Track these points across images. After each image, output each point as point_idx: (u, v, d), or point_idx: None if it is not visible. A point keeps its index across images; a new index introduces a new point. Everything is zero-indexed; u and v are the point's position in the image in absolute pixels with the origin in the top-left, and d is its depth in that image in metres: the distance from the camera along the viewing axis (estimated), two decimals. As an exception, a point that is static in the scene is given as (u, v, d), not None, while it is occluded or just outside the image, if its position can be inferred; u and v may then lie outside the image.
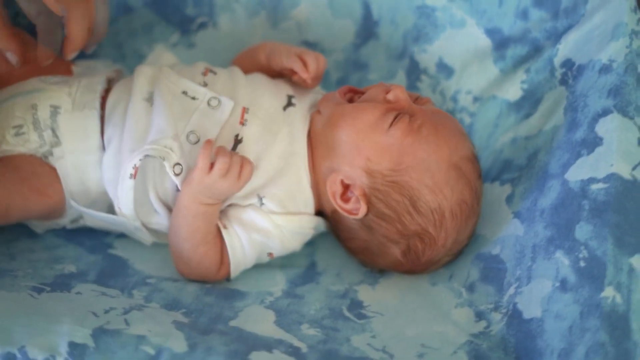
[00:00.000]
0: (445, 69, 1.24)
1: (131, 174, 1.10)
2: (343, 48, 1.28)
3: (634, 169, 1.02)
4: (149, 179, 1.12)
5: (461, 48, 1.23)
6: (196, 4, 1.30)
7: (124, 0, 1.31)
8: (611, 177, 1.02)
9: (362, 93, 1.15)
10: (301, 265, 1.20)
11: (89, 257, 1.19)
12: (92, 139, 1.14)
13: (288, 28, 1.28)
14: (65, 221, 1.19)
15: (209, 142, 1.06)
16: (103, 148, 1.14)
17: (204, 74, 1.17)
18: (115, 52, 1.32)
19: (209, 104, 1.13)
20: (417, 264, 1.15)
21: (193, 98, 1.13)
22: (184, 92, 1.14)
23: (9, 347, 0.97)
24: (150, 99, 1.14)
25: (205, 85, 1.15)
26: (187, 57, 1.31)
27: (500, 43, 1.20)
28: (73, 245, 1.21)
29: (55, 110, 1.14)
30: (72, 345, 0.98)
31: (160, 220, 1.15)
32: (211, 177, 1.05)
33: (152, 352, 0.98)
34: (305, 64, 1.15)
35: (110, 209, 1.17)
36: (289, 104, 1.16)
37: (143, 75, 1.15)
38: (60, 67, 1.22)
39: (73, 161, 1.14)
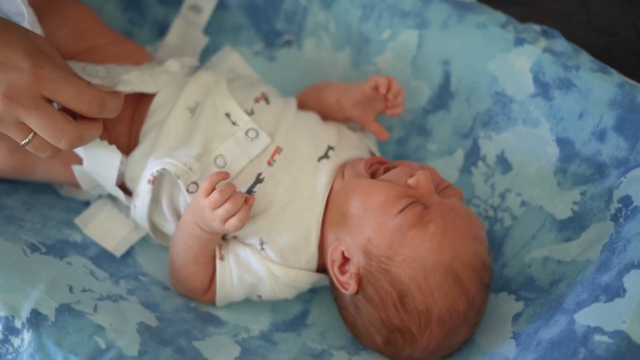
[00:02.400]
0: (504, 163, 1.20)
1: (149, 180, 1.12)
2: (413, 109, 1.26)
3: (647, 333, 0.95)
4: (164, 187, 1.15)
5: (526, 147, 1.18)
6: (288, 20, 1.30)
7: (221, -3, 1.34)
8: (618, 335, 0.96)
9: (390, 167, 1.12)
10: (293, 311, 1.21)
11: (99, 234, 1.23)
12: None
13: (367, 72, 1.27)
14: (85, 196, 1.23)
15: (225, 173, 1.07)
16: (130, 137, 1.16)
17: (257, 100, 1.17)
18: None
19: (246, 133, 1.13)
20: (396, 356, 1.12)
21: (234, 123, 1.14)
22: (227, 114, 1.15)
23: (-24, 293, 1.02)
24: (194, 110, 1.16)
25: (251, 113, 1.15)
26: (264, 69, 1.33)
27: (568, 156, 1.15)
28: (90, 217, 1.25)
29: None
30: (34, 313, 1.02)
31: (169, 227, 1.17)
32: (204, 202, 1.06)
33: (102, 345, 1.01)
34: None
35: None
36: (325, 155, 1.14)
37: (197, 83, 1.17)
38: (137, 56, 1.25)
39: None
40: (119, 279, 1.15)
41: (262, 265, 1.11)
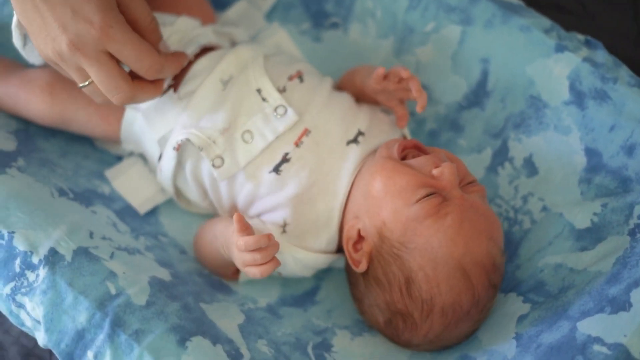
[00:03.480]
0: (530, 167, 1.20)
1: (174, 147, 1.15)
2: (448, 104, 1.27)
3: (647, 349, 0.96)
4: (189, 155, 1.18)
5: (555, 154, 1.18)
6: (337, 3, 1.32)
7: (278, -25, 1.37)
8: (618, 348, 0.97)
9: (422, 154, 1.12)
10: (303, 287, 1.23)
11: (129, 190, 1.27)
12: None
13: (407, 62, 1.28)
14: (118, 150, 1.27)
15: (269, 238, 1.03)
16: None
17: (291, 77, 1.18)
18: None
19: (275, 110, 1.15)
20: (396, 339, 1.13)
21: (264, 99, 1.16)
22: (258, 90, 1.16)
23: (2, 226, 1.06)
24: (227, 83, 1.18)
25: (283, 90, 1.16)
26: (309, 49, 1.35)
27: (594, 167, 1.15)
28: (123, 172, 1.29)
29: None
30: (52, 251, 1.06)
31: (192, 194, 1.20)
32: (236, 239, 1.04)
33: (113, 291, 1.04)
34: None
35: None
36: (355, 140, 1.15)
37: (235, 56, 1.20)
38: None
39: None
40: (139, 235, 1.18)
41: (285, 248, 1.13)
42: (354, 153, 1.14)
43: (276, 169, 1.13)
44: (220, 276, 1.20)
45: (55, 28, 1.01)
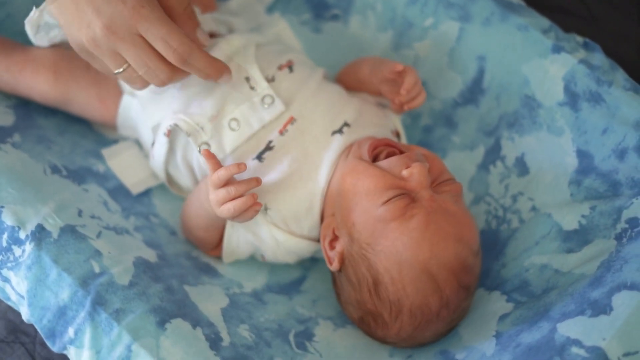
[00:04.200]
0: (521, 166, 1.20)
1: (165, 133, 1.17)
2: (443, 99, 1.27)
3: (625, 355, 0.95)
4: (179, 141, 1.18)
5: (546, 154, 1.18)
6: (339, -5, 1.33)
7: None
8: (596, 351, 0.97)
9: (398, 152, 1.11)
10: (290, 275, 1.24)
11: (124, 170, 1.28)
12: None
13: (405, 56, 1.29)
14: (114, 135, 1.28)
15: (241, 166, 1.06)
16: None
17: (281, 67, 1.18)
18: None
19: (262, 100, 1.15)
20: (372, 335, 1.14)
21: (252, 88, 1.16)
22: (247, 79, 1.17)
23: (-9, 202, 1.07)
24: None
25: (272, 80, 1.17)
26: (308, 40, 1.36)
27: (585, 169, 1.15)
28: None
29: None
30: (39, 228, 1.07)
31: (183, 180, 1.21)
32: (211, 195, 1.07)
33: (97, 270, 1.06)
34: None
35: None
36: (339, 130, 1.15)
37: (227, 44, 1.20)
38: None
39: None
40: (129, 215, 1.19)
41: (266, 229, 1.14)
42: (337, 143, 1.14)
43: (259, 157, 1.14)
44: (204, 248, 1.20)
45: (89, 13, 1.01)
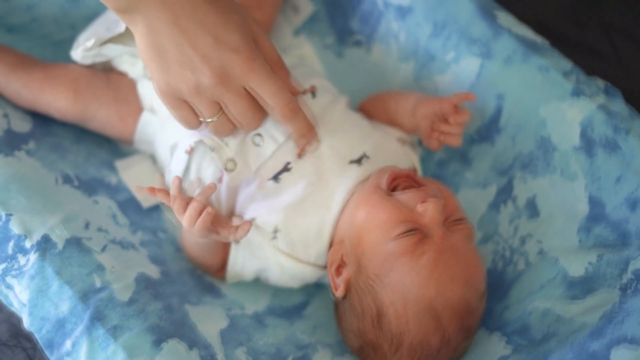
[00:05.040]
0: (532, 209, 1.20)
1: (187, 150, 1.17)
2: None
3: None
4: (195, 159, 1.18)
5: (558, 199, 1.18)
6: (362, 21, 1.33)
7: (308, -14, 1.38)
8: (592, 404, 0.95)
9: (417, 185, 1.11)
10: (293, 300, 1.24)
11: (138, 183, 1.29)
12: None
13: (426, 88, 1.29)
14: (130, 150, 1.30)
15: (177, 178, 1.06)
16: None
17: (304, 92, 1.18)
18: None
19: None
20: None
21: None
22: None
23: (1, 207, 1.08)
24: None
25: None
26: (330, 63, 1.36)
27: (595, 217, 1.14)
28: (135, 166, 1.31)
29: None
30: (45, 238, 1.08)
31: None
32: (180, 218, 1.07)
33: (98, 284, 1.06)
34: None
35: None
36: (358, 161, 1.16)
37: None
38: None
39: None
40: (137, 229, 1.20)
41: (272, 255, 1.14)
42: (354, 173, 1.14)
43: (275, 177, 1.14)
44: (208, 270, 1.21)
45: (196, 60, 0.99)
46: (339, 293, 1.11)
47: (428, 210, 1.06)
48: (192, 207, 1.04)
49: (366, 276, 1.08)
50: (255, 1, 1.29)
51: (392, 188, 1.11)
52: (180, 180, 1.06)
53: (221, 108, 1.05)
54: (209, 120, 1.05)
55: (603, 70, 1.27)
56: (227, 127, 1.07)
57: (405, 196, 1.09)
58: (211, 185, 1.06)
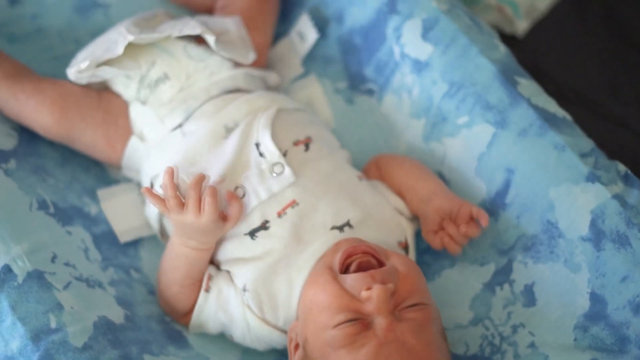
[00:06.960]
0: (529, 296, 1.12)
1: (161, 185, 1.11)
2: (464, 204, 1.18)
3: None
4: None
5: (557, 289, 1.10)
6: (377, 70, 1.26)
7: (325, 26, 1.32)
8: None
9: (375, 262, 1.03)
10: (267, 357, 1.16)
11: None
12: (164, 129, 1.16)
13: (433, 149, 1.22)
14: (116, 175, 1.25)
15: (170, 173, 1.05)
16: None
17: (296, 143, 1.13)
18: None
19: (272, 168, 1.10)
20: None
21: (261, 154, 1.11)
22: (257, 145, 1.12)
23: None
24: (230, 130, 1.15)
25: (284, 155, 1.11)
26: (339, 109, 1.30)
27: (595, 315, 1.06)
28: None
29: (164, 77, 1.17)
30: (6, 268, 1.05)
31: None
32: (170, 215, 1.05)
33: (53, 325, 1.03)
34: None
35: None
36: (340, 228, 1.09)
37: (246, 105, 1.16)
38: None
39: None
40: (109, 266, 1.15)
41: (240, 310, 1.09)
42: (333, 240, 1.08)
43: (252, 234, 1.08)
44: (175, 313, 1.14)
45: None
46: None
47: (372, 298, 0.96)
48: (190, 197, 1.03)
49: None
50: (251, 23, 1.25)
51: (347, 265, 1.03)
52: (174, 174, 1.04)
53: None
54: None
55: (631, 146, 1.19)
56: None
57: (352, 279, 1.00)
58: (201, 174, 1.05)
